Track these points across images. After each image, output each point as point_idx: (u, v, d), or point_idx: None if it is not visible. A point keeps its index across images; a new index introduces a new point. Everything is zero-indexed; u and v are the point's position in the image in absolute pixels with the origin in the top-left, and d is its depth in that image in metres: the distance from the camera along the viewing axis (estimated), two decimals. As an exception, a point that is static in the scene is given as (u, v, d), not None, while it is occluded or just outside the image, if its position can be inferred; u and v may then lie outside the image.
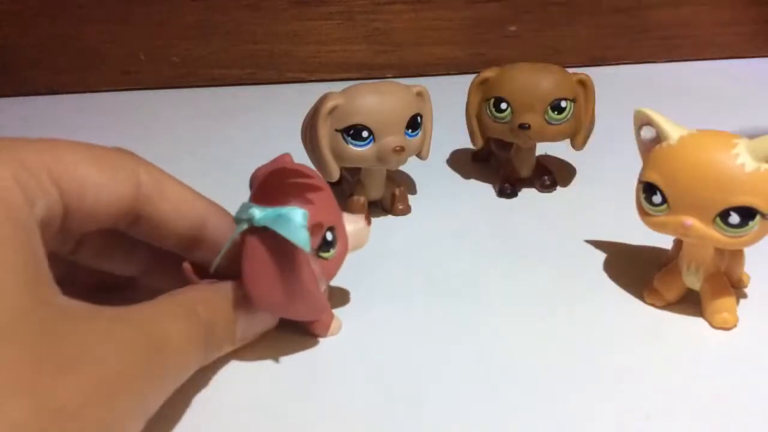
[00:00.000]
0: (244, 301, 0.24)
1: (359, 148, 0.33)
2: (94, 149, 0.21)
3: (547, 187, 0.40)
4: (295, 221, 0.23)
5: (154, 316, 0.20)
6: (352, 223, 0.26)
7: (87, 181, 0.20)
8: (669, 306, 0.28)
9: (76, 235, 0.23)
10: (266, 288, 0.23)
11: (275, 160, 0.25)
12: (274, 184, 0.24)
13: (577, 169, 0.42)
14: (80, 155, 0.21)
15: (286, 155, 0.26)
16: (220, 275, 0.25)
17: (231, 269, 0.24)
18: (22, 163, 0.19)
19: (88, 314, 0.18)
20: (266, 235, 0.23)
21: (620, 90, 0.54)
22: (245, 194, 0.27)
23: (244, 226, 0.23)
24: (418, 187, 0.41)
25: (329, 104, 0.33)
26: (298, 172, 0.24)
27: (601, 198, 0.38)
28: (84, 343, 0.17)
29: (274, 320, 0.27)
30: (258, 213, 0.23)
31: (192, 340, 0.22)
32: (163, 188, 0.23)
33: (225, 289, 0.24)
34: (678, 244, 0.29)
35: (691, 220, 0.25)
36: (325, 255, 0.25)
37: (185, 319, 0.22)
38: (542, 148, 0.41)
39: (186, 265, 0.25)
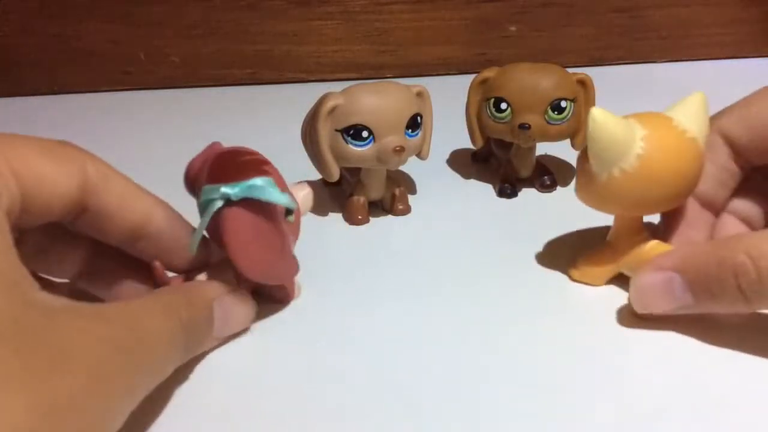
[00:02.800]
0: (222, 297, 0.25)
1: (359, 148, 0.33)
2: (44, 142, 0.22)
3: (547, 187, 0.40)
4: (268, 188, 0.24)
5: (134, 314, 0.21)
6: (300, 190, 0.29)
7: (42, 173, 0.21)
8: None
9: (24, 229, 0.23)
10: (254, 256, 0.25)
11: (208, 149, 0.27)
12: (226, 164, 0.25)
13: (577, 169, 0.42)
14: (34, 148, 0.21)
15: (216, 143, 0.27)
16: (189, 267, 0.26)
17: (202, 255, 0.26)
18: None
19: (70, 311, 0.18)
20: (241, 207, 0.24)
21: (620, 90, 0.54)
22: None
23: (218, 204, 0.24)
24: (418, 187, 0.41)
25: (329, 104, 0.33)
26: (245, 151, 0.26)
27: (601, 198, 0.38)
28: (69, 340, 0.17)
29: (250, 317, 0.27)
30: (231, 189, 0.24)
31: (172, 338, 0.22)
32: (109, 181, 0.23)
33: (203, 286, 0.25)
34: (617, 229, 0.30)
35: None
36: (289, 219, 0.26)
37: (165, 317, 0.22)
38: (542, 148, 0.41)
39: (156, 264, 0.25)
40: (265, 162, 0.26)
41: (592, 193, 0.28)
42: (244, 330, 0.27)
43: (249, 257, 0.25)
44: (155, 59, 0.61)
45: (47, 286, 0.25)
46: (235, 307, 0.26)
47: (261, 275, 0.26)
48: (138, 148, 0.49)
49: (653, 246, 0.28)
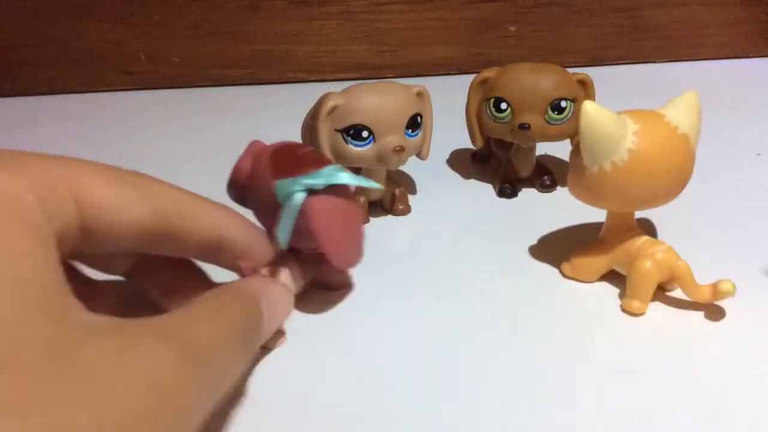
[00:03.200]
0: (266, 293, 0.24)
1: (359, 148, 0.33)
2: (113, 171, 0.21)
3: (547, 187, 0.40)
4: (345, 173, 0.25)
5: (186, 322, 0.19)
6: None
7: (106, 201, 0.20)
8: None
9: (88, 256, 0.22)
10: (343, 243, 0.25)
11: (252, 148, 0.28)
12: (291, 158, 0.26)
13: (577, 169, 0.42)
14: (101, 177, 0.21)
15: (256, 141, 0.28)
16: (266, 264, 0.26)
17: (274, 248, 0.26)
18: (45, 180, 0.19)
19: (111, 330, 0.18)
20: (325, 195, 0.25)
21: (620, 90, 0.54)
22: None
23: (302, 197, 0.24)
24: (418, 187, 0.41)
25: (329, 104, 0.33)
26: (296, 144, 0.27)
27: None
28: (106, 362, 0.16)
29: (291, 309, 0.26)
30: (313, 179, 0.25)
31: (228, 345, 0.21)
32: (181, 207, 0.23)
33: (247, 283, 0.24)
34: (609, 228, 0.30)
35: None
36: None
37: (217, 323, 0.20)
38: (542, 148, 0.41)
39: (243, 265, 0.25)
40: (316, 152, 0.27)
41: (584, 187, 0.28)
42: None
43: (339, 244, 0.25)
44: (155, 59, 0.61)
45: (95, 295, 0.24)
46: (278, 299, 0.25)
47: (347, 261, 0.27)
48: (138, 148, 0.49)
49: (644, 242, 0.28)
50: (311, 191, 0.25)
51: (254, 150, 0.28)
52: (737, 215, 0.36)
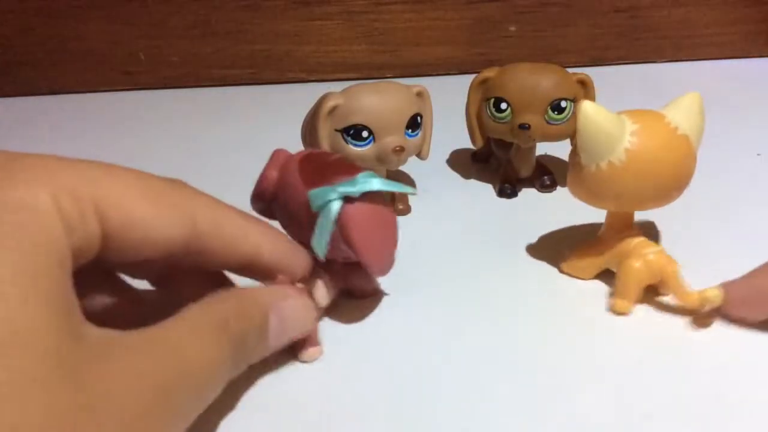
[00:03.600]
0: (279, 304, 0.24)
1: (359, 148, 0.33)
2: (152, 182, 0.21)
3: (547, 187, 0.40)
4: (378, 179, 0.25)
5: (179, 339, 0.19)
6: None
7: (136, 217, 0.19)
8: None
9: (112, 265, 0.22)
10: (380, 250, 0.25)
11: (277, 157, 0.27)
12: (322, 166, 0.25)
13: (577, 169, 0.42)
14: (133, 188, 0.20)
15: (280, 150, 0.27)
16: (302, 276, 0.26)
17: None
18: (68, 190, 0.18)
19: (110, 344, 0.18)
20: (361, 202, 0.24)
21: (620, 90, 0.54)
22: (245, 193, 0.27)
23: (338, 205, 0.24)
24: (418, 187, 0.41)
25: (329, 104, 0.33)
26: (324, 152, 0.27)
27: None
28: (108, 380, 0.17)
29: (310, 321, 0.26)
30: (350, 187, 0.24)
31: (219, 360, 0.21)
32: (218, 227, 0.22)
33: (258, 293, 0.24)
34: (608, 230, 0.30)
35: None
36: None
37: (211, 336, 0.20)
38: (542, 148, 0.41)
39: (281, 278, 0.25)
40: (344, 158, 0.27)
41: (582, 186, 0.28)
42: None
43: (377, 253, 0.25)
44: (155, 59, 0.61)
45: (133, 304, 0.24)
46: (295, 312, 0.24)
47: (384, 269, 0.26)
48: (138, 148, 0.49)
49: (638, 243, 0.28)
50: (346, 199, 0.24)
51: (279, 159, 0.27)
52: (737, 215, 0.36)
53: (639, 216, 0.30)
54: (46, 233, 0.17)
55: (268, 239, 0.24)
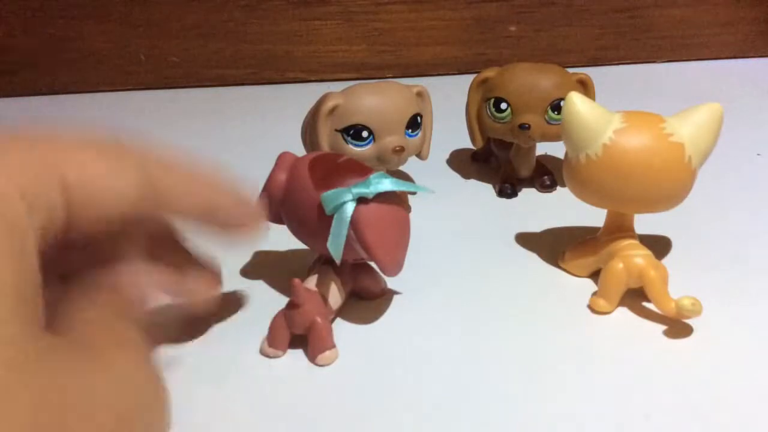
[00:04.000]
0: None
1: (359, 148, 0.33)
2: (102, 145, 0.21)
3: (547, 187, 0.40)
4: (390, 179, 0.25)
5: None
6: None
7: (98, 183, 0.20)
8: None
9: (76, 238, 0.22)
10: (392, 250, 0.25)
11: (283, 160, 0.27)
12: (333, 169, 0.25)
13: (577, 169, 0.42)
14: (89, 153, 0.20)
15: (286, 153, 0.27)
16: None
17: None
18: (28, 167, 0.18)
19: (58, 349, 0.17)
20: (375, 203, 0.25)
21: (620, 90, 0.54)
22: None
23: (352, 206, 0.24)
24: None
25: (329, 104, 0.33)
26: (333, 154, 0.27)
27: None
28: (83, 384, 0.16)
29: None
30: (364, 188, 0.24)
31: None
32: (169, 171, 0.23)
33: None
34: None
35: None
36: None
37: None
38: (542, 148, 0.41)
39: (296, 281, 0.25)
40: (351, 158, 0.27)
41: (568, 177, 0.29)
42: (240, 334, 0.27)
43: (390, 253, 0.25)
44: (155, 59, 0.61)
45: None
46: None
47: (396, 269, 0.26)
48: (138, 148, 0.49)
49: (627, 245, 0.28)
50: (360, 200, 0.24)
51: (286, 161, 0.27)
52: (737, 215, 0.36)
53: (641, 219, 0.30)
54: (6, 218, 0.17)
55: (220, 186, 0.24)
